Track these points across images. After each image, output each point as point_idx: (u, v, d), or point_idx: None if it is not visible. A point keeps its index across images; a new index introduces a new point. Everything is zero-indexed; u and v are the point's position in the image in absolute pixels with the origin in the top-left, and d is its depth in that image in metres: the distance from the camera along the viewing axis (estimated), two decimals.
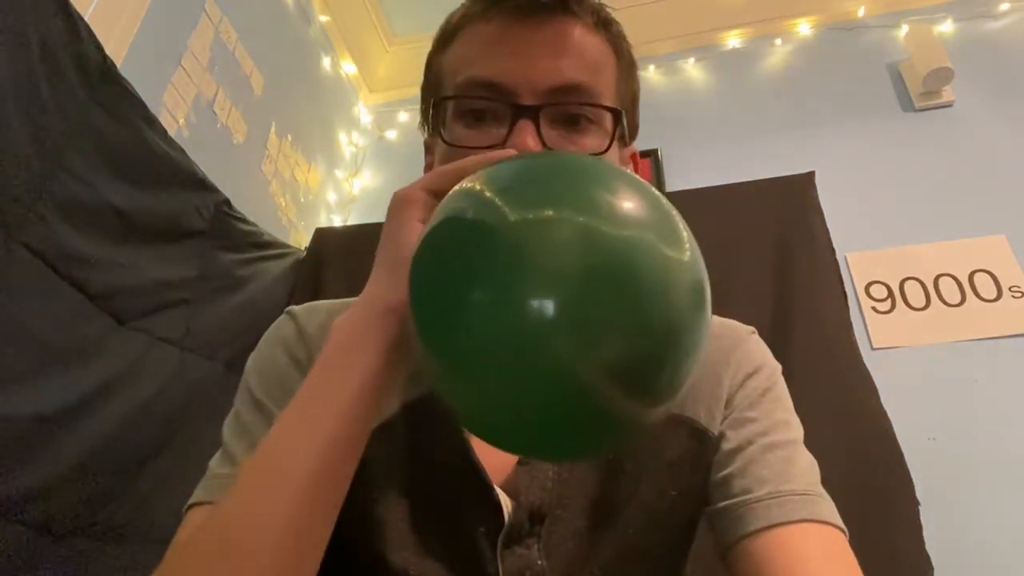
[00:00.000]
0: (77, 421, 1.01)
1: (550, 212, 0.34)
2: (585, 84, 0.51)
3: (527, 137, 0.48)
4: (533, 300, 0.32)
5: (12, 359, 0.93)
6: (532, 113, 0.49)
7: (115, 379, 1.09)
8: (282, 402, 0.41)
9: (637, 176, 0.40)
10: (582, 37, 0.52)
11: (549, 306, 0.32)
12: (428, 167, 0.59)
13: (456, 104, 0.52)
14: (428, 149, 0.60)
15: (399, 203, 0.45)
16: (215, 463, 0.51)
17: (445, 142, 0.52)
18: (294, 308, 0.59)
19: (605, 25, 0.55)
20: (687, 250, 0.36)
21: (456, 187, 0.40)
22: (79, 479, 1.00)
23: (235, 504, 0.38)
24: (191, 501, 0.48)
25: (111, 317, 1.11)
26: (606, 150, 0.52)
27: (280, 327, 0.58)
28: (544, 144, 0.49)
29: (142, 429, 1.14)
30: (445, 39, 0.56)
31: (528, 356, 0.33)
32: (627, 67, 0.57)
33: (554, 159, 0.42)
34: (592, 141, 0.52)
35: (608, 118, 0.53)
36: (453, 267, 0.36)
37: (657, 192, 0.39)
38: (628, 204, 0.36)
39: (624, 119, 0.54)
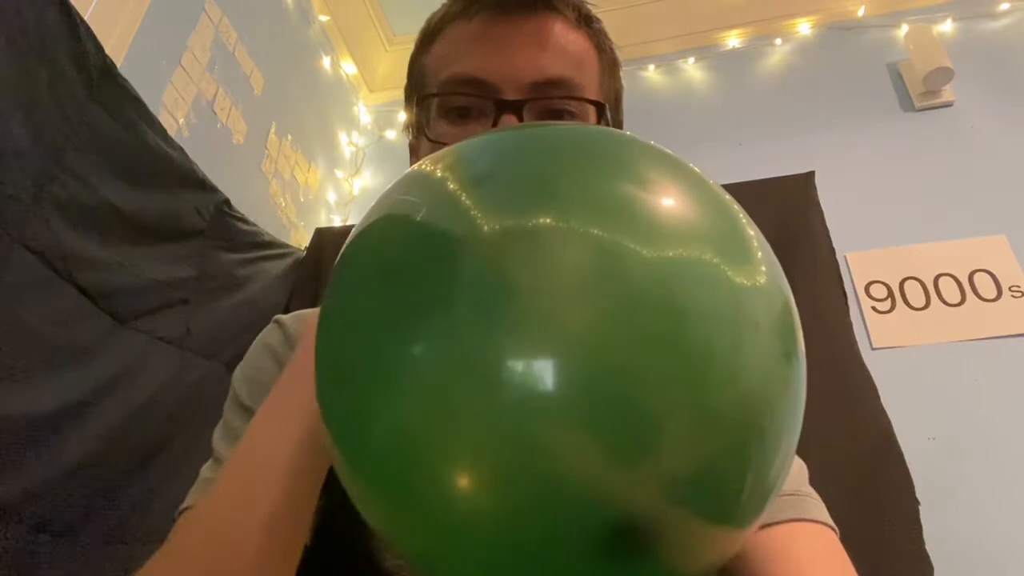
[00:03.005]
0: (77, 421, 1.01)
1: (548, 219, 0.22)
2: (568, 78, 0.50)
3: None
4: (519, 367, 0.20)
5: (12, 359, 0.93)
6: (515, 108, 0.48)
7: (115, 379, 1.09)
8: None
9: (673, 154, 0.28)
10: (563, 33, 0.52)
11: (547, 378, 0.20)
12: None
13: (440, 101, 0.52)
14: (413, 151, 0.59)
15: None
16: (206, 469, 0.51)
17: (429, 140, 0.51)
18: (281, 317, 0.59)
19: (587, 21, 0.55)
20: (762, 270, 0.24)
21: (408, 170, 0.29)
22: (79, 479, 1.00)
23: (218, 498, 0.38)
24: (182, 506, 0.48)
25: (111, 317, 1.11)
26: None
27: (267, 335, 0.58)
28: None
29: (142, 429, 1.14)
30: (427, 39, 0.56)
31: (512, 465, 0.21)
32: (610, 64, 0.56)
33: (551, 132, 0.29)
34: None
35: (592, 112, 0.53)
36: (384, 300, 0.23)
37: (708, 178, 0.27)
38: (671, 202, 0.24)
39: (608, 113, 0.54)
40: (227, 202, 1.43)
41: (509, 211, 0.23)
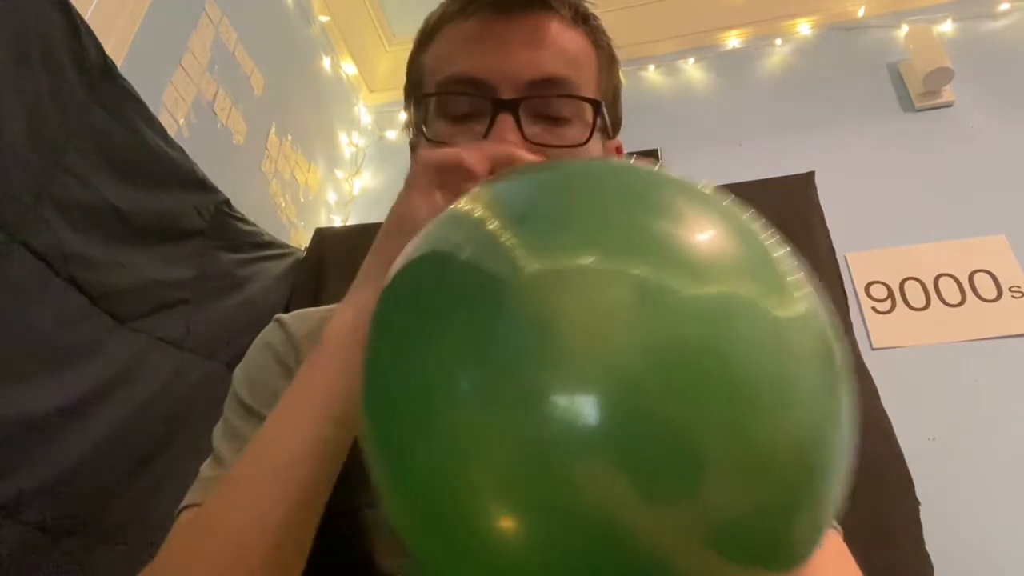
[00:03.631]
0: (77, 421, 1.01)
1: (590, 259, 0.22)
2: (564, 77, 0.51)
3: (507, 131, 0.47)
4: (560, 403, 0.20)
5: (12, 359, 0.93)
6: (512, 107, 0.48)
7: (115, 379, 1.09)
8: (272, 405, 0.42)
9: (703, 186, 0.28)
10: (560, 31, 0.52)
11: (588, 416, 0.20)
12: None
13: (438, 101, 0.52)
14: (413, 149, 0.59)
15: (426, 169, 0.41)
16: (206, 467, 0.51)
17: (428, 140, 0.52)
18: (282, 316, 0.59)
19: (583, 19, 0.55)
20: (801, 298, 0.24)
21: (449, 208, 0.30)
22: (79, 479, 1.00)
23: (225, 500, 0.38)
24: (182, 504, 0.48)
25: (111, 317, 1.11)
26: (586, 142, 0.51)
27: (268, 334, 0.58)
28: (525, 138, 0.48)
29: (142, 429, 1.14)
30: (425, 38, 0.56)
31: (549, 503, 0.21)
32: (607, 60, 0.56)
33: (586, 169, 0.30)
34: (573, 133, 0.51)
35: (588, 110, 0.52)
36: (429, 339, 0.24)
37: (739, 207, 0.28)
38: (707, 238, 0.24)
39: (605, 111, 0.53)
40: (227, 202, 1.43)
41: (550, 251, 0.23)
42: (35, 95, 0.98)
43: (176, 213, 1.28)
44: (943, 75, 1.82)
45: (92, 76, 1.09)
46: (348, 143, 2.27)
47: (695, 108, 2.08)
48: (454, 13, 0.54)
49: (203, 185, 1.36)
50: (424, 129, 0.52)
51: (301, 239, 1.87)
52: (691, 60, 2.15)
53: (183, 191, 1.30)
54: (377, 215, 2.11)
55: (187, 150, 1.31)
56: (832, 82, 2.00)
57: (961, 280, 1.63)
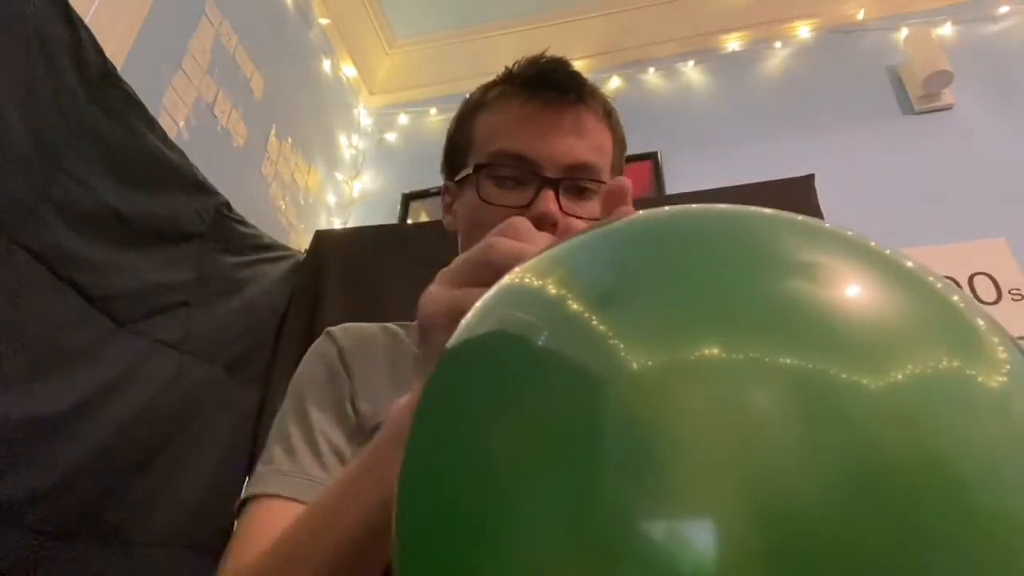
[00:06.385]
0: (77, 423, 1.01)
1: (716, 348, 0.16)
2: (593, 163, 0.61)
3: (550, 202, 0.58)
4: (686, 567, 0.14)
5: (12, 361, 0.93)
6: (554, 184, 0.59)
7: (115, 381, 1.10)
8: (319, 407, 0.54)
9: (835, 227, 0.21)
10: (593, 124, 0.63)
11: None
12: (447, 207, 0.68)
13: (489, 169, 0.63)
14: (447, 191, 0.69)
15: (425, 322, 0.34)
16: (260, 463, 0.57)
17: (480, 198, 0.61)
18: (331, 328, 0.67)
19: (608, 114, 0.66)
20: (1003, 349, 0.18)
21: (506, 279, 0.24)
22: (79, 481, 1.00)
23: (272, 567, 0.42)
24: (244, 496, 0.53)
25: (110, 319, 1.11)
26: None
27: (319, 345, 0.66)
28: (560, 207, 0.58)
29: (142, 431, 1.14)
30: (475, 107, 0.66)
31: None
32: (620, 145, 0.68)
33: (675, 220, 0.22)
34: (592, 206, 0.61)
35: None
36: (502, 444, 0.18)
37: (895, 253, 0.20)
38: (869, 298, 0.18)
39: None
40: (227, 204, 1.43)
41: (659, 339, 0.17)
42: (35, 97, 0.98)
43: (176, 215, 1.28)
44: (942, 78, 1.83)
45: (92, 78, 1.09)
46: (348, 145, 2.27)
47: (695, 111, 2.08)
48: (512, 94, 0.63)
49: (203, 187, 1.36)
50: (478, 190, 0.62)
51: (301, 241, 1.87)
52: (691, 63, 2.16)
53: (183, 193, 1.30)
54: (377, 217, 2.11)
55: (187, 152, 1.32)
56: (832, 85, 2.00)
57: (961, 283, 1.63)
